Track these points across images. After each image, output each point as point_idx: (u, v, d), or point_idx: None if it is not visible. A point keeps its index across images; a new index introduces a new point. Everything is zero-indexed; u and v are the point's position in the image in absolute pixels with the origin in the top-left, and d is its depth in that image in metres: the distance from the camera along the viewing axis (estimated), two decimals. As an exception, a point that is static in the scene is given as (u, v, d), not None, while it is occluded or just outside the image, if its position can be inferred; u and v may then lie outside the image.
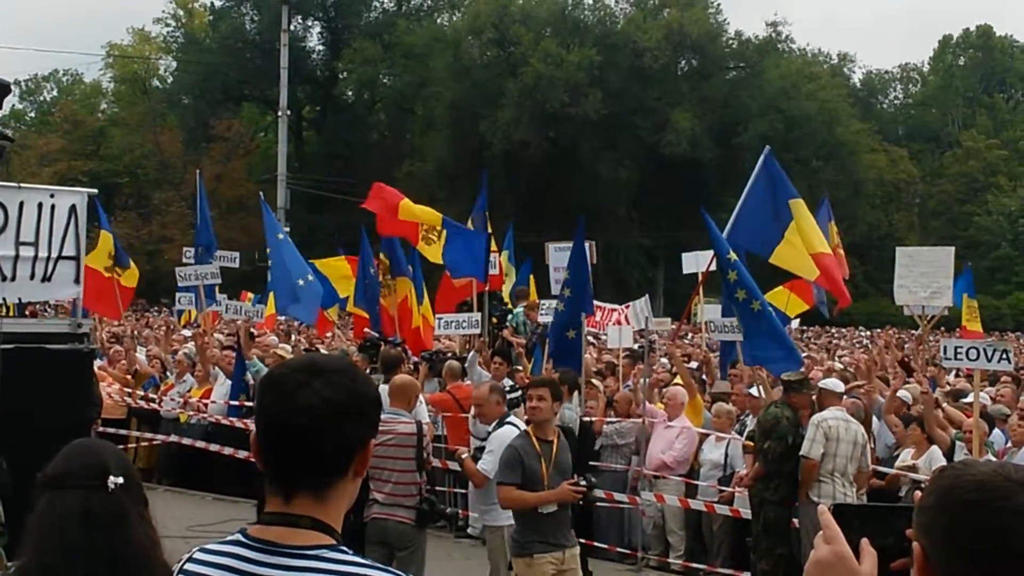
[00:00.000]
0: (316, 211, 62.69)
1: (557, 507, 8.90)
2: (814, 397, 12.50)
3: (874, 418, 13.92)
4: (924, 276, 16.53)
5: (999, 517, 2.25)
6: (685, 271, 21.58)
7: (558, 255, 18.02)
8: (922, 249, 19.39)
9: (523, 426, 10.27)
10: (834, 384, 12.99)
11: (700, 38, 65.91)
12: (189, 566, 2.73)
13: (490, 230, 19.36)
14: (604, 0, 70.47)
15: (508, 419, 10.43)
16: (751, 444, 12.65)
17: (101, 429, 15.77)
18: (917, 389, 14.79)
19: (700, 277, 17.23)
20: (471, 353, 16.00)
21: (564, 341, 15.64)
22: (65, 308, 13.86)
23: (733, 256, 14.25)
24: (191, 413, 18.01)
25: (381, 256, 18.92)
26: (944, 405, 13.61)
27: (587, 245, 19.76)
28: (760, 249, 15.06)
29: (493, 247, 19.22)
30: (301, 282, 18.86)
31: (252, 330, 18.99)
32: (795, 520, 12.08)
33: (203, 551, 2.75)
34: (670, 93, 65.26)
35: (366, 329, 18.20)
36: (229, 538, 2.72)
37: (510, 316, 18.18)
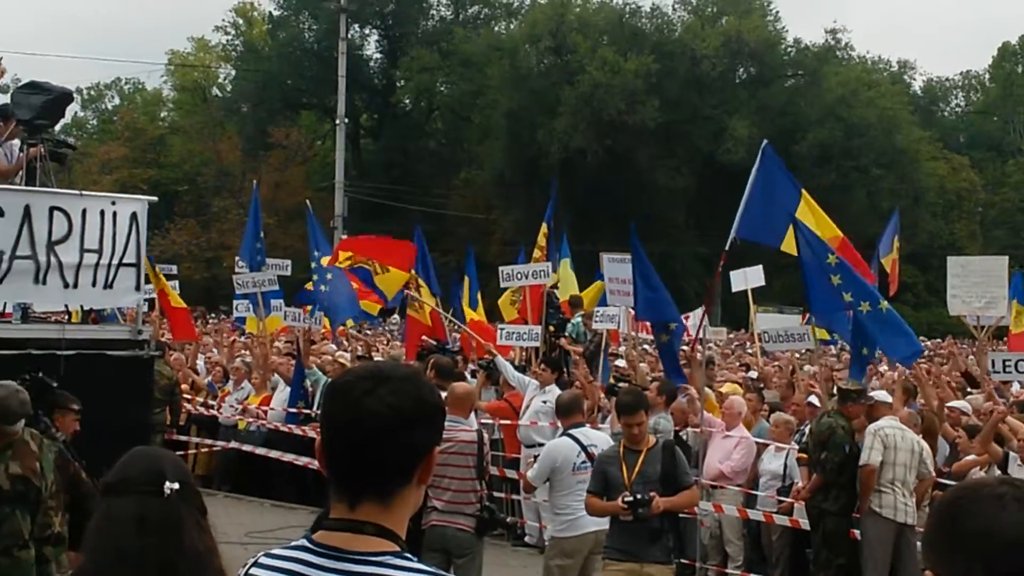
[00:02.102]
0: (374, 219, 62.84)
1: (633, 519, 8.92)
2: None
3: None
4: (977, 286, 16.36)
5: (975, 515, 2.32)
6: (735, 289, 21.49)
7: (612, 266, 17.88)
8: (974, 259, 19.28)
9: (585, 439, 10.23)
10: (884, 396, 12.91)
11: (758, 46, 65.49)
12: (255, 571, 2.75)
13: (544, 237, 19.38)
14: (662, 8, 70.35)
15: (571, 430, 10.40)
16: (805, 456, 12.55)
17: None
18: (979, 400, 14.60)
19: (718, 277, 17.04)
20: (498, 357, 16.01)
21: (659, 344, 15.93)
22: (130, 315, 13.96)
23: (833, 259, 13.40)
24: (250, 420, 18.12)
25: (414, 274, 18.94)
26: (1008, 417, 13.42)
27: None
28: (768, 239, 14.86)
29: (537, 254, 19.22)
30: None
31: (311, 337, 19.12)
32: (854, 530, 11.99)
33: (268, 556, 2.77)
34: (728, 101, 64.91)
35: (424, 337, 18.21)
36: (294, 543, 2.75)
37: (569, 325, 18.15)
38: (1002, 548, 2.27)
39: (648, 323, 16.92)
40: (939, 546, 2.38)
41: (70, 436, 8.86)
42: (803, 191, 14.93)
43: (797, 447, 13.20)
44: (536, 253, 19.34)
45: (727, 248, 14.62)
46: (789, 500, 13.06)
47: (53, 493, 7.44)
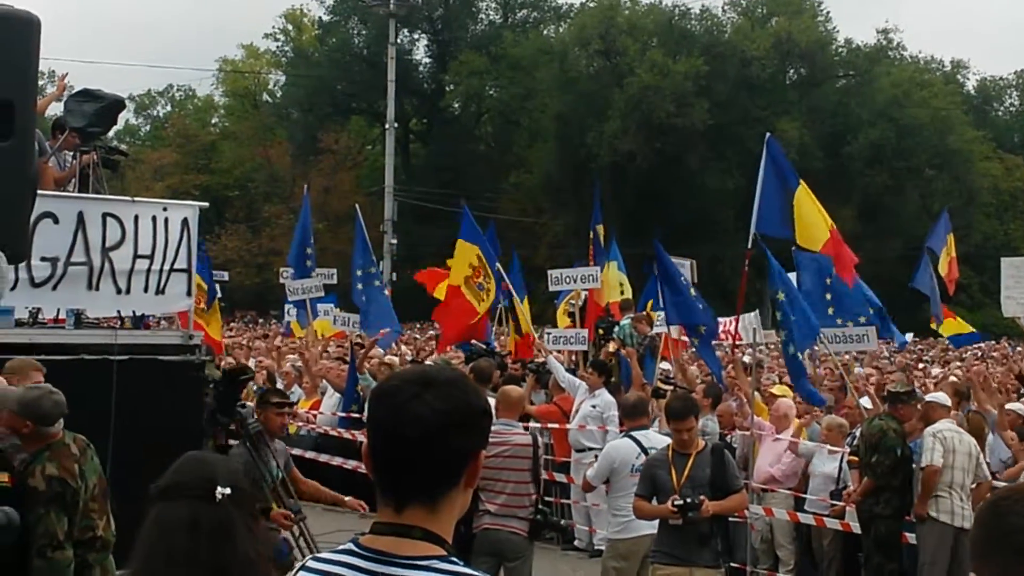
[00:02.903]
0: (423, 223, 63.04)
1: (682, 523, 8.89)
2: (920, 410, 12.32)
3: (988, 432, 13.65)
4: (1031, 287, 16.22)
5: (1017, 514, 2.34)
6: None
7: (664, 268, 17.91)
8: (1026, 259, 19.08)
9: (646, 442, 10.19)
10: (941, 397, 12.80)
11: (809, 46, 65.16)
12: (302, 575, 2.77)
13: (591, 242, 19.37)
14: (711, 9, 70.16)
15: (634, 432, 10.39)
16: (856, 459, 12.46)
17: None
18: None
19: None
20: (549, 358, 15.99)
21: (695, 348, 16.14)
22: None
23: (781, 296, 14.46)
24: (300, 424, 18.19)
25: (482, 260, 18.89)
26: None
27: (688, 263, 19.64)
28: (781, 232, 14.95)
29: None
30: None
31: (358, 339, 19.16)
32: (906, 534, 11.89)
33: (316, 560, 2.79)
34: (778, 102, 64.62)
35: (474, 340, 18.22)
36: (341, 547, 2.76)
37: (616, 328, 18.11)
38: None
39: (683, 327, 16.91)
40: (982, 546, 2.38)
41: (279, 432, 9.05)
42: (802, 182, 14.96)
43: (849, 450, 13.11)
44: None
45: (749, 246, 14.65)
46: (840, 504, 12.97)
47: (95, 496, 7.49)
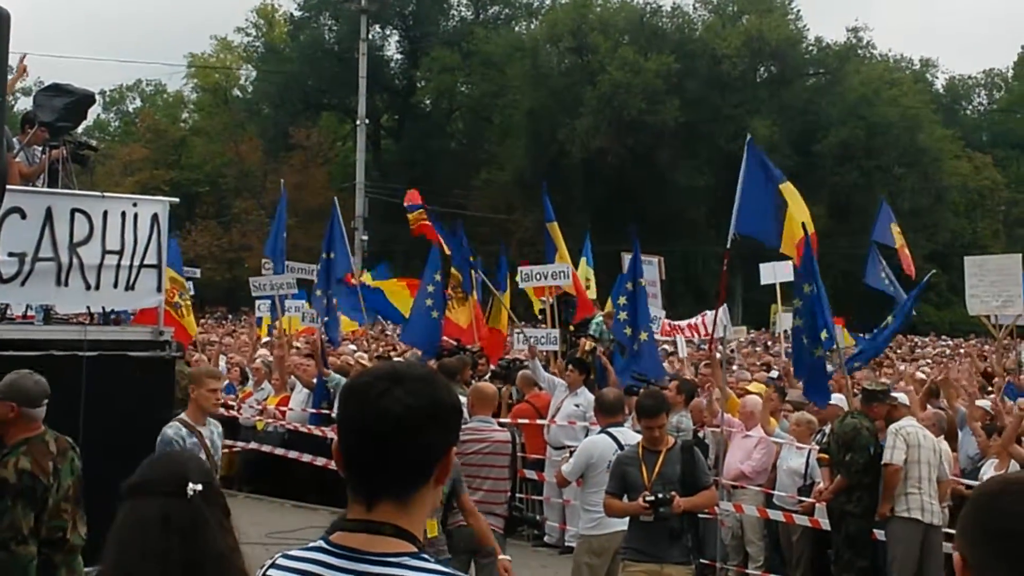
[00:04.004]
0: (394, 219, 62.80)
1: (653, 519, 8.90)
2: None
3: (958, 429, 13.72)
4: (994, 285, 16.32)
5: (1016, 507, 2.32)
6: (763, 282, 21.46)
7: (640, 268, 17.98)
8: (990, 258, 19.24)
9: (623, 438, 10.19)
10: (902, 396, 12.90)
11: (779, 45, 65.35)
12: (272, 572, 2.77)
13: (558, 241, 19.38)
14: (682, 7, 70.30)
15: (610, 428, 10.40)
16: (826, 457, 12.48)
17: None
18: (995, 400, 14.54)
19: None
20: (533, 360, 16.00)
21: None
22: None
23: (807, 289, 13.80)
24: (268, 420, 18.15)
25: (453, 270, 19.00)
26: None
27: (655, 260, 19.67)
28: (767, 239, 14.94)
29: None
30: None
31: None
32: (875, 532, 11.94)
33: (286, 557, 2.78)
34: (749, 100, 64.80)
35: (445, 338, 18.26)
36: (312, 545, 2.76)
37: (592, 324, 18.13)
38: None
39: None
40: (970, 533, 2.38)
41: None
42: (783, 183, 14.91)
43: (817, 447, 13.14)
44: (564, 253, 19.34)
45: (728, 246, 14.67)
46: (810, 500, 13.01)
47: (68, 498, 7.44)
